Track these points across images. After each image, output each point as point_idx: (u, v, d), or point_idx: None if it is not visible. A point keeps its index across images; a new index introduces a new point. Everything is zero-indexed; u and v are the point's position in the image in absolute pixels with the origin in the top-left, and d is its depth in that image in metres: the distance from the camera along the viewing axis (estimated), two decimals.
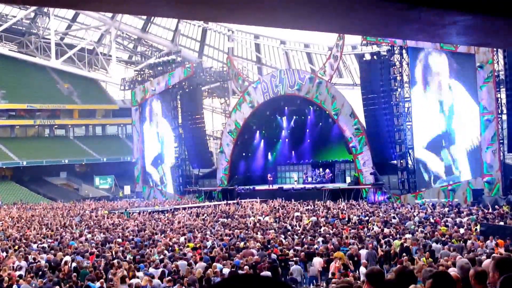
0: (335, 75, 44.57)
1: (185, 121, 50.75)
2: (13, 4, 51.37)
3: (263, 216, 28.67)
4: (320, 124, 44.66)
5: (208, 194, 46.40)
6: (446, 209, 28.12)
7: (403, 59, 36.62)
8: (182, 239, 20.88)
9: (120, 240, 21.14)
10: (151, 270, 14.85)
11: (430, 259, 14.39)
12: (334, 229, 22.00)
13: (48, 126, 67.11)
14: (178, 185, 50.94)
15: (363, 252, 16.68)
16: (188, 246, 18.89)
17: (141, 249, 18.88)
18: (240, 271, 14.50)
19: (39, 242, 21.43)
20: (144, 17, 61.88)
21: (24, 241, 21.87)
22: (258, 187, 44.13)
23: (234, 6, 3.67)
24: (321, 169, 45.37)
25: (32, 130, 66.99)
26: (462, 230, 19.77)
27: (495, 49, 30.21)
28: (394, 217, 24.77)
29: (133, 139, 57.96)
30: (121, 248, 18.82)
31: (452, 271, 7.18)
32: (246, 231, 22.25)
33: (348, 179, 42.05)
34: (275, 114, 46.96)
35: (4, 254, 18.59)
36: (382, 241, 18.10)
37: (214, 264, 15.02)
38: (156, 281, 13.47)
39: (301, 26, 4.85)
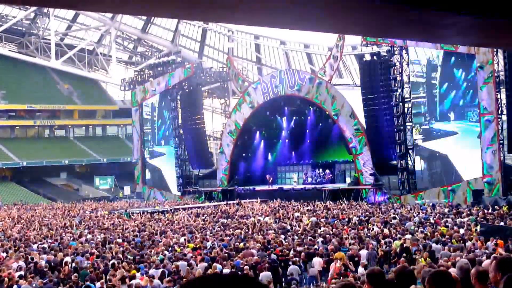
0: (335, 76, 44.56)
1: (185, 121, 50.75)
2: (13, 5, 51.37)
3: (263, 216, 28.67)
4: (320, 124, 44.65)
5: (208, 194, 46.39)
6: (446, 209, 28.11)
7: (403, 60, 36.63)
8: (182, 239, 20.88)
9: (120, 240, 21.14)
10: (151, 270, 14.84)
11: (428, 259, 14.38)
12: (334, 229, 22.00)
13: (48, 126, 67.15)
14: (178, 185, 50.94)
15: (363, 252, 16.69)
16: (188, 247, 18.88)
17: (141, 249, 18.88)
18: (240, 272, 14.50)
19: (39, 243, 21.43)
20: (144, 17, 61.91)
21: (24, 241, 21.87)
22: (258, 188, 44.13)
23: (234, 6, 3.67)
24: (321, 170, 45.36)
25: (32, 131, 67.02)
26: (462, 231, 19.77)
27: (495, 50, 30.21)
28: (394, 218, 24.76)
29: (133, 140, 57.93)
30: (121, 249, 18.82)
31: (452, 272, 7.18)
32: (246, 232, 22.24)
33: (348, 180, 42.04)
34: (275, 114, 46.95)
35: (4, 254, 18.58)
36: (382, 242, 18.09)
37: (214, 264, 15.02)
38: (156, 281, 13.47)
39: (301, 26, 4.86)
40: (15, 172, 61.20)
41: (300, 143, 48.25)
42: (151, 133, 54.99)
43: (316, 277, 15.88)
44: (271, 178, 45.10)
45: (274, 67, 60.09)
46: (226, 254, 16.81)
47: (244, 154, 47.74)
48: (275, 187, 43.77)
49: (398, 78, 36.66)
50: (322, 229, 22.27)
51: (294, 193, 40.50)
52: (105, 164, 63.34)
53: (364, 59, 38.93)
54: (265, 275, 14.28)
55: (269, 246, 18.30)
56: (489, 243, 16.43)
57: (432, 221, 23.44)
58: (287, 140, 48.95)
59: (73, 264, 16.24)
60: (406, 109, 36.51)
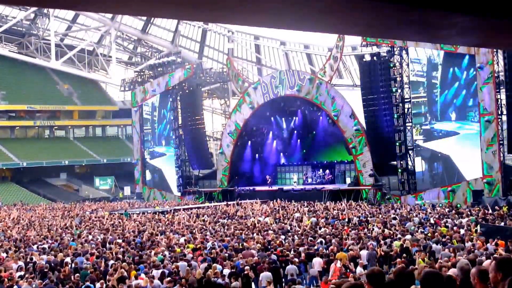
0: (335, 76, 44.58)
1: (185, 122, 50.76)
2: (13, 5, 51.41)
3: (263, 217, 28.67)
4: (320, 125, 44.67)
5: (208, 195, 46.40)
6: (446, 209, 28.11)
7: (403, 60, 36.64)
8: (182, 240, 20.88)
9: (120, 241, 21.13)
10: (151, 271, 14.83)
11: (426, 259, 14.38)
12: (334, 230, 22.00)
13: (48, 127, 67.18)
14: (178, 186, 50.94)
15: (364, 252, 16.69)
16: (188, 247, 18.87)
17: (141, 250, 18.87)
18: (240, 272, 14.50)
19: (39, 243, 21.43)
20: (144, 18, 61.91)
21: (24, 242, 21.87)
22: (258, 188, 44.14)
23: (234, 7, 3.68)
24: (321, 170, 45.42)
25: (32, 131, 67.03)
26: (462, 231, 19.77)
27: (495, 50, 30.22)
28: (394, 218, 24.76)
29: (133, 140, 57.94)
30: (121, 249, 18.82)
31: (452, 272, 7.18)
32: (246, 232, 22.24)
33: (348, 180, 42.06)
34: (275, 115, 46.98)
35: (5, 255, 18.58)
36: (382, 242, 18.09)
37: (214, 265, 15.01)
38: (156, 281, 13.47)
39: (300, 27, 4.86)
40: (15, 172, 61.22)
41: (300, 144, 48.31)
42: (151, 133, 54.97)
43: (316, 277, 15.88)
44: (270, 179, 45.14)
45: (274, 67, 60.12)
46: (226, 255, 16.81)
47: (244, 155, 47.74)
48: (275, 187, 43.78)
49: (398, 79, 36.67)
50: (322, 229, 22.27)
51: (294, 194, 40.50)
52: (105, 164, 63.37)
53: (364, 59, 38.96)
54: (265, 276, 14.28)
55: (269, 247, 18.30)
56: (488, 245, 16.40)
57: (432, 221, 23.44)
58: (287, 141, 48.97)
59: (73, 265, 16.24)
60: (406, 110, 36.51)
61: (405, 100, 36.54)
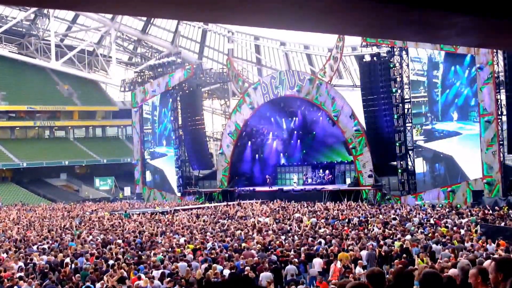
0: (335, 77, 44.57)
1: (185, 122, 50.75)
2: (13, 5, 51.44)
3: (263, 217, 28.68)
4: (320, 125, 44.67)
5: (208, 195, 46.40)
6: (446, 210, 28.12)
7: (403, 61, 36.63)
8: (182, 240, 20.88)
9: (120, 241, 21.13)
10: (151, 271, 14.82)
11: (425, 259, 14.38)
12: (334, 230, 22.01)
13: (48, 127, 67.19)
14: (178, 186, 50.94)
15: (363, 253, 16.70)
16: (188, 247, 18.87)
17: (141, 250, 18.87)
18: (241, 273, 14.49)
19: (39, 244, 21.42)
20: (144, 18, 61.94)
21: (25, 242, 21.87)
22: (258, 189, 44.14)
23: (234, 7, 3.68)
24: (321, 171, 45.44)
25: (32, 132, 67.04)
26: (462, 231, 19.78)
27: (495, 51, 30.21)
28: (394, 218, 24.77)
29: (133, 141, 57.94)
30: (121, 250, 18.81)
31: (452, 272, 7.18)
32: (247, 233, 22.24)
33: (348, 181, 42.06)
34: (275, 115, 46.99)
35: (5, 255, 18.58)
36: (382, 242, 18.09)
37: (214, 265, 15.01)
38: (156, 282, 13.46)
39: (300, 27, 4.86)
40: (15, 173, 61.23)
41: (300, 144, 48.31)
42: (152, 133, 54.92)
43: (316, 277, 15.87)
44: (270, 179, 45.16)
45: (274, 68, 60.14)
46: (227, 255, 16.81)
47: (244, 155, 47.75)
48: (275, 188, 43.78)
49: (398, 79, 36.65)
50: (322, 230, 22.28)
51: (294, 194, 40.50)
52: (105, 165, 63.37)
53: (364, 60, 38.96)
54: (265, 276, 14.27)
55: (269, 247, 18.30)
56: (488, 246, 16.39)
57: (432, 221, 23.44)
58: (287, 141, 48.99)
59: (73, 265, 16.24)
60: (406, 110, 36.48)
61: (405, 101, 36.50)
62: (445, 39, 5.77)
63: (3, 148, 60.53)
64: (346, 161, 43.86)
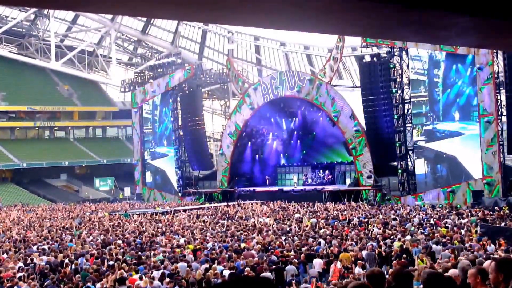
0: (335, 77, 44.59)
1: (185, 123, 50.75)
2: (12, 6, 51.44)
3: (264, 217, 28.68)
4: (320, 125, 44.68)
5: (208, 196, 46.41)
6: (446, 210, 28.13)
7: (403, 61, 36.63)
8: (182, 240, 20.87)
9: (120, 241, 21.12)
10: (151, 271, 14.81)
11: (425, 259, 14.38)
12: (335, 230, 22.00)
13: (48, 128, 67.22)
14: (178, 187, 50.93)
15: (363, 253, 16.70)
16: (188, 248, 18.87)
17: (141, 251, 18.86)
18: (241, 273, 14.49)
19: (39, 244, 21.42)
20: (144, 19, 61.96)
21: (24, 243, 21.86)
22: (258, 189, 44.15)
23: (234, 7, 3.68)
24: (321, 171, 45.46)
25: (32, 132, 67.06)
26: (462, 232, 19.77)
27: (495, 51, 30.21)
28: (394, 219, 24.77)
29: (133, 141, 57.94)
30: (121, 250, 18.81)
31: (453, 273, 7.18)
32: (247, 233, 22.24)
33: (348, 181, 42.07)
34: (275, 116, 47.00)
35: (5, 255, 18.57)
36: (382, 243, 18.09)
37: (214, 265, 15.01)
38: (156, 282, 13.46)
39: (300, 27, 4.86)
40: (15, 173, 61.24)
41: (300, 145, 48.33)
42: (152, 133, 54.89)
43: (316, 278, 15.87)
44: (269, 179, 45.17)
45: (274, 68, 60.18)
46: (227, 255, 16.80)
47: (244, 155, 47.76)
48: (275, 188, 43.79)
49: (398, 79, 36.66)
50: (322, 230, 22.27)
51: (294, 195, 40.51)
52: (105, 165, 63.38)
53: (364, 60, 38.97)
54: (265, 276, 14.27)
55: (269, 247, 18.30)
56: (488, 247, 16.38)
57: (432, 222, 23.44)
58: (287, 141, 49.01)
59: (73, 266, 16.24)
60: (406, 110, 36.47)
61: (405, 101, 36.50)
62: (445, 40, 5.78)
63: (3, 149, 60.53)
64: (346, 162, 43.87)
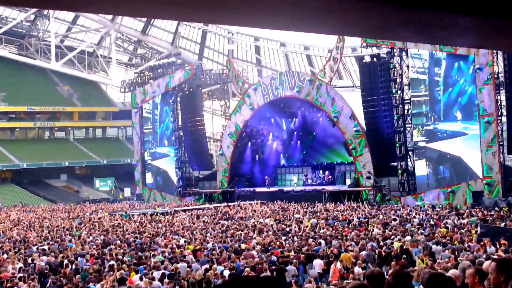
0: (335, 77, 44.59)
1: (185, 123, 50.75)
2: (12, 6, 51.42)
3: (264, 218, 28.68)
4: (320, 126, 44.68)
5: (208, 196, 46.40)
6: (446, 210, 28.12)
7: (402, 61, 36.62)
8: (182, 241, 20.87)
9: (120, 242, 21.12)
10: (151, 272, 14.81)
11: (425, 259, 14.38)
12: (335, 231, 22.00)
13: (48, 128, 67.25)
14: (178, 187, 50.92)
15: (363, 253, 16.69)
16: (188, 248, 18.87)
17: (141, 251, 18.86)
18: (241, 273, 14.48)
19: (39, 244, 21.42)
20: (144, 19, 61.98)
21: (25, 243, 21.86)
22: (258, 189, 44.15)
23: (234, 7, 3.68)
24: (321, 171, 45.45)
25: (32, 132, 67.07)
26: (462, 232, 19.77)
27: (494, 51, 30.19)
28: (394, 219, 24.78)
29: (133, 141, 57.94)
30: (121, 250, 18.80)
31: (453, 273, 7.17)
32: (247, 233, 22.24)
33: (348, 181, 42.07)
34: (275, 116, 47.00)
35: (5, 256, 18.57)
36: (382, 243, 18.09)
37: (214, 266, 15.01)
38: (156, 283, 13.45)
39: (300, 28, 4.86)
40: (15, 174, 61.24)
41: (300, 145, 48.33)
42: (152, 133, 54.82)
43: (316, 278, 15.87)
44: (269, 180, 45.16)
45: (274, 69, 60.17)
46: (227, 256, 16.80)
47: (244, 156, 47.76)
48: (275, 188, 43.79)
49: (398, 80, 36.63)
50: (322, 230, 22.27)
51: (294, 195, 40.50)
52: (105, 165, 63.39)
53: (364, 60, 38.99)
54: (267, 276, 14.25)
55: (269, 248, 18.30)
56: (488, 248, 16.36)
57: (432, 222, 23.44)
58: (287, 142, 49.01)
59: (73, 266, 16.24)
60: (406, 111, 36.44)
61: (405, 101, 36.46)
62: (445, 40, 5.77)
63: (3, 149, 60.54)
64: (346, 162, 43.86)
